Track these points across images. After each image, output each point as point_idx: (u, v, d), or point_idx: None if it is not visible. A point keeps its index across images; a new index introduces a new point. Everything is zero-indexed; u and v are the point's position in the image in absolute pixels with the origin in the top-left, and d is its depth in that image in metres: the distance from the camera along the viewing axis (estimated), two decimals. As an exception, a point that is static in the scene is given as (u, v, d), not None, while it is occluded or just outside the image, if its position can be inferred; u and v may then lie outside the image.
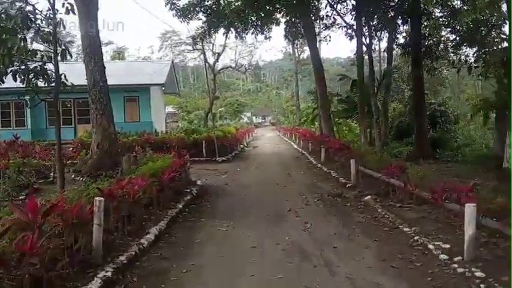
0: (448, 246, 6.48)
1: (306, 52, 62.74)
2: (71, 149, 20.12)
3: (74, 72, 13.94)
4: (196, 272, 6.19)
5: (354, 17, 22.73)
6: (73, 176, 14.04)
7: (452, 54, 29.73)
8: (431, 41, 24.88)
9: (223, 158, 22.02)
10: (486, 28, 21.77)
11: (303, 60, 64.26)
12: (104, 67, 14.10)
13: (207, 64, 36.77)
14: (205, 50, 37.52)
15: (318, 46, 24.72)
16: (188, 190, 12.18)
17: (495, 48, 17.95)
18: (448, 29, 25.95)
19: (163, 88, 30.98)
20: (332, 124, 24.73)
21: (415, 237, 7.21)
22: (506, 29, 21.38)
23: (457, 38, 24.61)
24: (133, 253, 6.55)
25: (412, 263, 6.21)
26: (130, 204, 7.64)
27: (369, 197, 10.96)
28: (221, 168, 18.93)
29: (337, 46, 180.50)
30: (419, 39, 22.32)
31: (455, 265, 5.80)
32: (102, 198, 6.30)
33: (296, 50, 58.70)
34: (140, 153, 15.59)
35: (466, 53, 23.25)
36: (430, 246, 6.60)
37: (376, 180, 12.70)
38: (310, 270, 6.21)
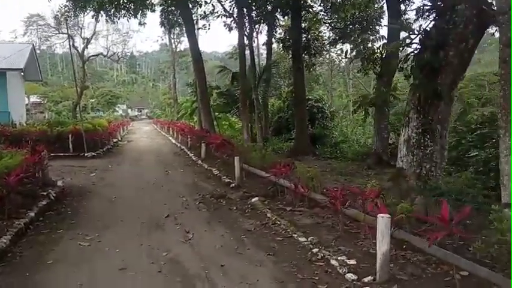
0: (353, 262, 5.60)
1: (184, 43, 61.02)
2: None
3: None
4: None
5: (233, 7, 21.96)
6: None
7: (325, 52, 30.69)
8: (309, 36, 25.07)
9: (93, 154, 20.01)
10: (361, 26, 22.37)
11: (180, 52, 62.32)
12: None
13: (74, 50, 33.36)
14: (72, 34, 34.25)
15: (196, 35, 23.31)
16: (45, 193, 10.03)
17: (372, 45, 18.13)
18: (326, 26, 26.48)
19: (22, 74, 27.00)
20: (212, 118, 23.62)
21: (314, 250, 6.26)
22: (379, 27, 22.15)
23: (334, 35, 25.12)
24: None
25: (316, 286, 5.23)
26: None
27: (256, 198, 9.96)
28: (90, 165, 16.95)
29: (215, 41, 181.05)
30: (299, 33, 22.16)
31: (368, 288, 4.94)
32: None
33: (173, 41, 56.54)
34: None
35: (342, 50, 23.59)
36: (333, 262, 5.67)
37: (262, 179, 11.95)
38: (194, 301, 4.94)
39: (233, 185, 12.19)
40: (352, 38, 21.73)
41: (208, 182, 13.38)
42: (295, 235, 7.05)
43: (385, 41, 17.81)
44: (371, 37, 21.09)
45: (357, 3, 20.14)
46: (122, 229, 7.92)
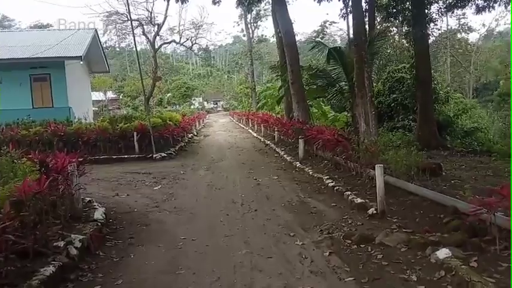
0: None
1: (260, 28, 57.20)
2: None
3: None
4: None
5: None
6: None
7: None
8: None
9: (163, 154, 16.45)
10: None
11: (257, 37, 58.52)
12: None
13: (143, 37, 30.03)
14: (141, 19, 31.58)
15: (286, 2, 18.58)
16: (61, 244, 5.41)
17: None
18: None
19: (81, 62, 23.29)
20: (307, 106, 18.80)
21: None
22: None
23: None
24: None
25: None
26: None
27: (448, 253, 4.98)
28: (157, 171, 13.06)
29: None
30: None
31: None
32: None
33: (249, 25, 52.51)
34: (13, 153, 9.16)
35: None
36: None
37: (411, 196, 7.72)
38: None
39: (372, 210, 7.33)
40: None
41: (324, 202, 8.64)
42: None
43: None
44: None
45: None
46: None
